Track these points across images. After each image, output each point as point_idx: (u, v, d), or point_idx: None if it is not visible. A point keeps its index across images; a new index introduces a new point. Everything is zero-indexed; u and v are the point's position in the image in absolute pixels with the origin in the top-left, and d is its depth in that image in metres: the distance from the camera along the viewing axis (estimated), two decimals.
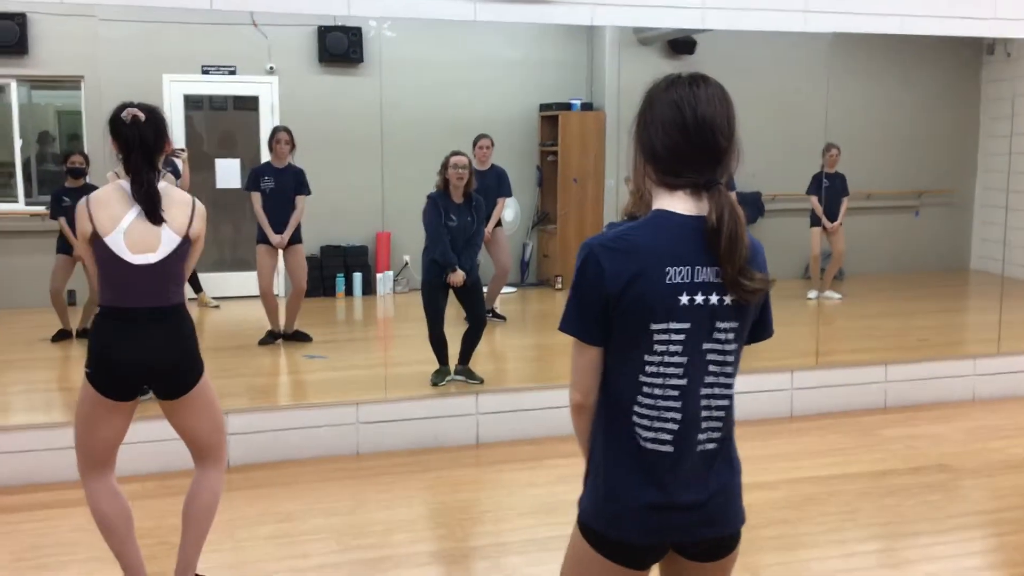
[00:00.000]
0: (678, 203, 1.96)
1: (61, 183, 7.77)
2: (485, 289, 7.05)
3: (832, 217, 9.31)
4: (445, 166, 6.16)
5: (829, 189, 9.15)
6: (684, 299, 1.92)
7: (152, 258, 3.30)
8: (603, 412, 2.02)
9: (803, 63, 10.80)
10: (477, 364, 6.23)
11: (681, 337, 1.93)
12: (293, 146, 7.52)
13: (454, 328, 6.21)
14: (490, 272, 8.31)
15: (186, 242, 3.37)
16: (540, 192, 10.77)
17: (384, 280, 9.87)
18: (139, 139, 3.32)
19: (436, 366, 6.13)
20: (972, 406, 6.53)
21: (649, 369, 1.94)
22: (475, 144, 8.37)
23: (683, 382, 1.94)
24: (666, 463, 1.96)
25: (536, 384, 6.24)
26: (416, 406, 5.69)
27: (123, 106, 3.37)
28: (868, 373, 6.44)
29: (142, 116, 3.33)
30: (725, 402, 2.01)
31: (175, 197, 3.40)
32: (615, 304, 1.92)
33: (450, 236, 6.06)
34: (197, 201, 3.44)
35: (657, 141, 1.98)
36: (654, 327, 1.92)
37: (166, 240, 3.32)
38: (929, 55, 11.40)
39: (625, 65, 10.30)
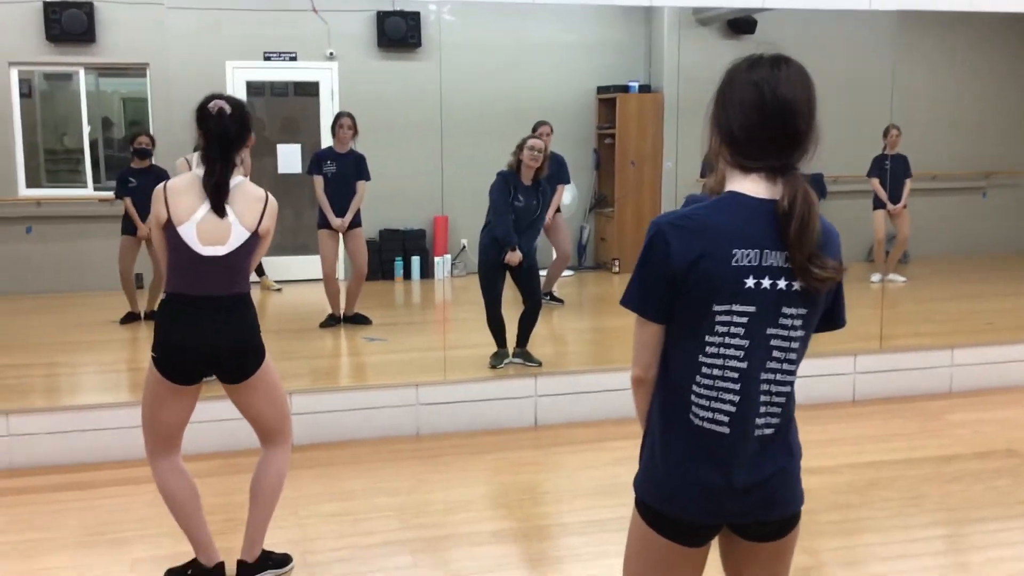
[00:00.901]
0: (751, 185, 1.94)
1: (127, 166, 7.94)
2: (543, 273, 7.06)
3: (895, 199, 9.14)
4: (521, 147, 6.14)
5: (891, 171, 8.97)
6: (750, 282, 1.90)
7: (221, 250, 3.38)
8: (661, 389, 2.03)
9: (867, 42, 10.60)
10: (535, 347, 6.25)
11: (744, 320, 1.91)
12: (356, 131, 7.58)
13: (511, 311, 6.23)
14: (549, 257, 8.32)
15: (255, 237, 3.44)
16: (597, 175, 10.74)
17: (442, 264, 9.94)
18: (221, 131, 3.37)
19: (494, 349, 6.16)
20: None
21: (709, 350, 1.94)
22: (534, 131, 8.35)
23: (743, 365, 1.93)
24: (723, 444, 1.95)
25: (594, 367, 6.24)
26: (475, 388, 5.73)
27: (211, 97, 3.42)
28: (933, 357, 6.33)
29: (228, 109, 3.38)
30: (786, 388, 1.99)
31: (249, 192, 3.45)
32: (679, 282, 1.92)
33: (514, 216, 6.07)
34: (271, 197, 3.49)
35: (734, 122, 1.96)
36: (717, 308, 1.91)
37: (236, 234, 3.39)
38: (997, 33, 11.12)
39: (684, 46, 10.22)
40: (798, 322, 1.96)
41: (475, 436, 5.53)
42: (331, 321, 7.58)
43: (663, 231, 1.93)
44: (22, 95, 9.36)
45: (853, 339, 6.28)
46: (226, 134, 3.37)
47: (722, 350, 1.93)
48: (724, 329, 1.92)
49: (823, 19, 9.99)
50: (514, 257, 6.00)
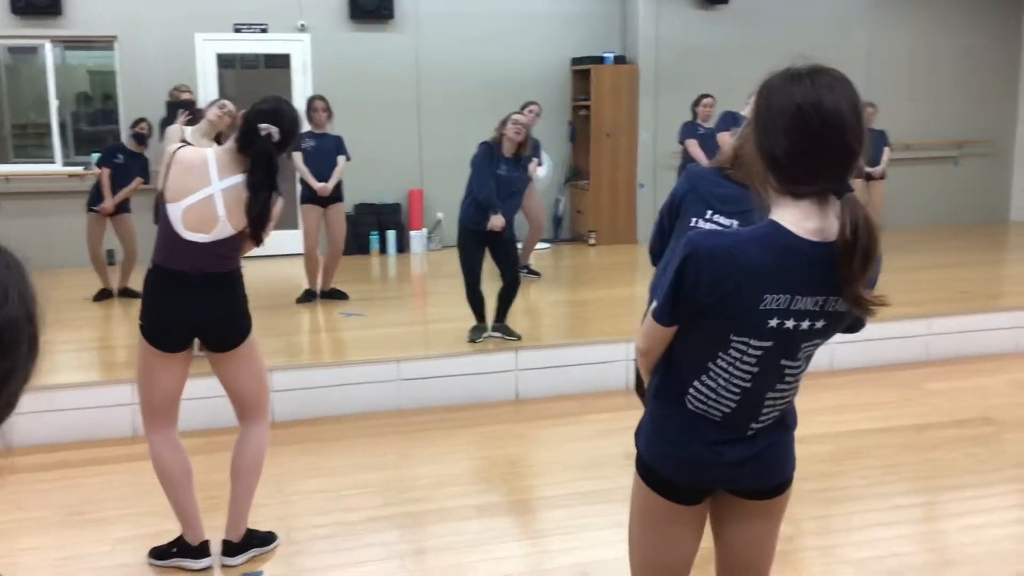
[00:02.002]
0: (799, 216, 1.82)
1: (96, 143, 7.79)
2: (519, 246, 7.03)
3: (873, 163, 9.12)
4: (504, 122, 6.11)
5: (868, 142, 9.00)
6: (773, 322, 1.84)
7: (204, 238, 3.35)
8: (665, 367, 2.03)
9: (843, 13, 10.65)
10: (513, 321, 6.24)
11: (759, 353, 1.89)
12: (330, 113, 7.47)
13: (490, 285, 6.21)
14: (524, 229, 8.29)
15: (241, 234, 3.39)
16: (572, 147, 10.70)
17: (418, 238, 9.89)
18: (267, 158, 3.31)
19: (473, 323, 6.15)
20: (1016, 358, 6.47)
21: (719, 363, 1.93)
22: (523, 109, 8.28)
23: (748, 385, 1.93)
24: (714, 429, 1.99)
25: (574, 340, 6.24)
26: (456, 362, 5.72)
27: (261, 112, 3.33)
28: (910, 326, 6.40)
29: (276, 136, 3.31)
30: (791, 395, 2.01)
31: (244, 195, 3.37)
32: (704, 308, 1.88)
33: (496, 185, 6.03)
34: (279, 200, 3.43)
35: (779, 148, 1.81)
36: (734, 338, 1.89)
37: (220, 228, 3.35)
38: (970, 5, 11.19)
39: (658, 17, 10.18)
40: (813, 350, 1.95)
41: (457, 410, 5.53)
42: (308, 296, 7.53)
43: (700, 257, 1.84)
44: None
45: None
46: (272, 161, 3.31)
47: (731, 369, 1.92)
48: (737, 355, 1.90)
49: None
50: (497, 221, 5.94)
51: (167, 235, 3.37)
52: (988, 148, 11.50)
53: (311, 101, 7.55)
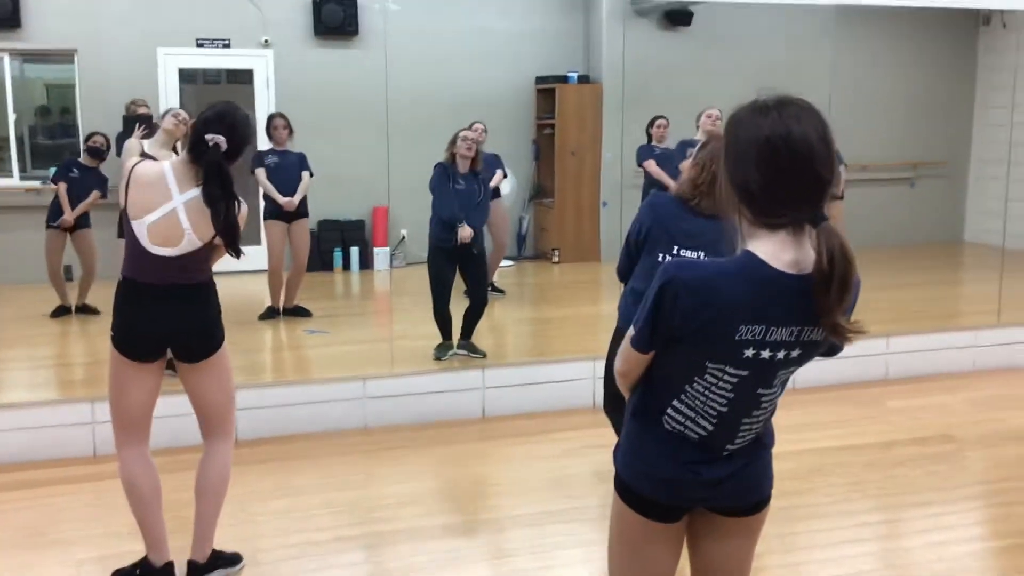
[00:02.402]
0: (776, 248, 1.83)
1: (55, 157, 7.68)
2: None
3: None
4: (454, 141, 6.14)
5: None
6: (748, 352, 1.86)
7: (171, 252, 3.31)
8: (641, 388, 2.06)
9: (803, 35, 10.79)
10: (478, 338, 6.24)
11: (734, 380, 1.91)
12: (291, 131, 7.44)
13: (455, 304, 6.20)
14: (488, 247, 8.28)
15: (208, 246, 3.36)
16: (537, 166, 10.75)
17: (382, 255, 9.86)
18: (217, 167, 3.25)
19: (438, 340, 6.13)
20: (973, 377, 6.58)
21: (696, 387, 1.95)
22: (470, 127, 8.28)
23: (724, 410, 1.95)
24: (691, 449, 2.00)
25: (541, 358, 6.25)
26: (423, 380, 5.70)
27: (207, 120, 3.28)
28: (870, 345, 6.47)
29: (223, 145, 3.26)
30: (765, 419, 2.03)
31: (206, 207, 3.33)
32: (679, 336, 1.90)
33: (457, 200, 6.04)
34: (242, 206, 3.38)
35: (751, 181, 1.83)
36: (710, 365, 1.90)
37: (187, 242, 3.32)
38: (927, 26, 11.41)
39: (622, 37, 10.27)
40: (788, 376, 1.97)
41: (424, 428, 5.50)
42: (271, 313, 7.47)
43: (676, 287, 1.86)
44: None
45: None
46: (222, 170, 3.26)
47: (708, 393, 1.94)
48: (713, 380, 1.92)
49: (758, 12, 10.16)
50: (464, 231, 5.95)
51: (134, 249, 3.33)
52: (943, 170, 11.73)
53: (271, 119, 7.50)
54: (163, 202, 3.28)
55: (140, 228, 3.28)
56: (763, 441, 2.08)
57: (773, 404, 2.01)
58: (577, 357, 6.03)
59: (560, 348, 6.67)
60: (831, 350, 2.00)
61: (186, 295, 3.38)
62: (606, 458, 4.88)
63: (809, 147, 1.78)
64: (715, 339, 1.85)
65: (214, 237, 3.33)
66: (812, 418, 5.69)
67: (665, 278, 1.86)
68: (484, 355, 6.07)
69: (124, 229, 3.36)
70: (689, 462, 2.00)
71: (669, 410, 1.99)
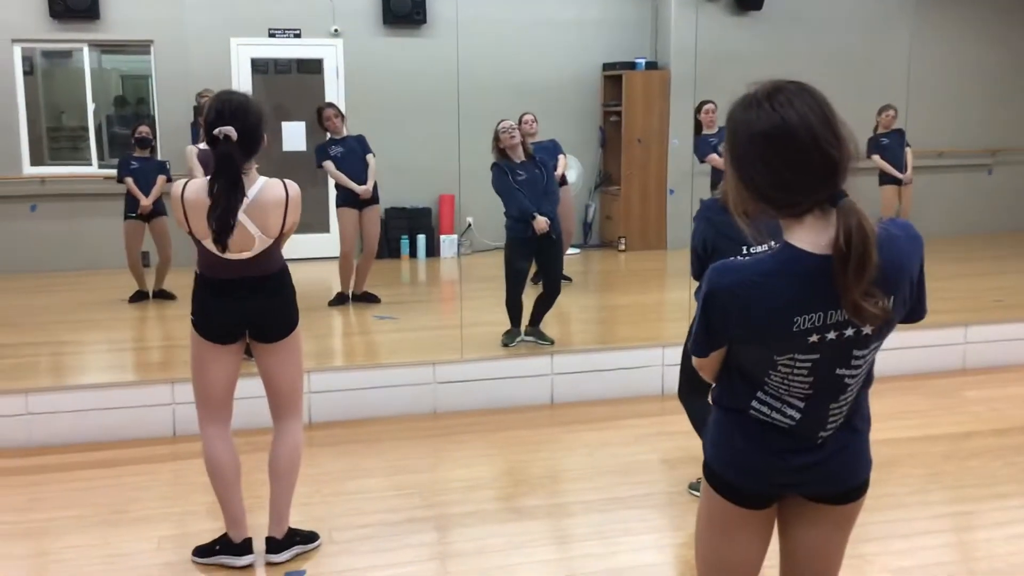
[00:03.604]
0: (808, 233, 1.81)
1: (128, 154, 7.87)
2: None
3: (902, 169, 9.07)
4: (496, 137, 6.15)
5: (890, 146, 8.91)
6: (814, 338, 1.83)
7: (246, 255, 3.39)
8: (725, 377, 2.03)
9: (878, 18, 10.56)
10: (545, 326, 6.24)
11: (808, 365, 1.87)
12: (343, 117, 7.50)
13: (524, 291, 6.21)
14: None
15: (280, 237, 3.44)
16: (603, 153, 10.70)
17: (448, 242, 9.92)
18: (227, 159, 3.26)
19: (505, 327, 6.15)
20: None
21: (774, 379, 1.92)
22: (520, 121, 8.28)
23: (809, 392, 1.91)
24: (783, 437, 1.97)
25: (609, 345, 6.24)
26: (491, 366, 5.73)
27: (217, 110, 3.29)
28: (946, 335, 6.34)
29: (234, 136, 3.26)
30: (854, 398, 1.98)
31: (269, 199, 3.38)
32: (739, 339, 1.90)
33: (523, 191, 6.04)
34: (291, 191, 3.41)
35: (760, 179, 1.81)
36: (777, 358, 1.88)
37: (259, 243, 3.39)
38: (1007, 9, 11.08)
39: (690, 22, 10.14)
40: (871, 354, 1.92)
41: (492, 414, 5.54)
42: (340, 299, 7.56)
43: (722, 298, 1.85)
44: (24, 73, 9.29)
45: None
46: (232, 162, 3.26)
47: (787, 382, 1.91)
48: (787, 370, 1.89)
49: None
50: (540, 222, 5.96)
51: (208, 256, 3.41)
52: (1022, 156, 11.39)
53: (320, 111, 7.48)
54: None
55: (212, 246, 3.34)
56: (854, 424, 2.01)
57: (858, 388, 1.97)
58: (644, 344, 6.01)
59: (627, 335, 6.65)
60: (912, 314, 1.95)
61: (262, 285, 3.45)
62: (674, 445, 4.91)
63: (809, 130, 1.74)
64: (774, 335, 1.83)
65: (283, 224, 3.40)
66: (888, 408, 5.58)
67: (708, 288, 1.87)
68: (552, 342, 6.07)
69: (192, 237, 3.41)
70: (779, 450, 1.96)
71: (754, 402, 1.96)
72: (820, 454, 1.98)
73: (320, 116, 7.46)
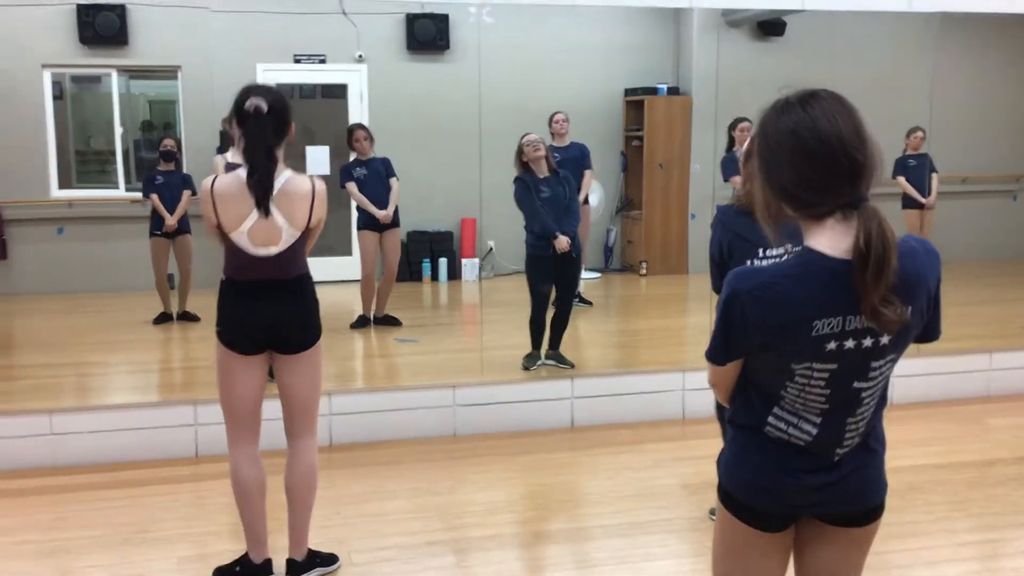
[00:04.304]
0: (829, 237, 1.83)
1: (153, 169, 7.99)
2: None
3: (926, 194, 9.04)
4: (520, 150, 6.17)
5: (916, 168, 8.88)
6: (831, 345, 1.84)
7: (274, 250, 3.42)
8: (741, 396, 2.03)
9: (902, 45, 10.53)
10: (566, 349, 6.25)
11: (825, 376, 1.88)
12: (372, 139, 7.58)
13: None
14: None
15: (305, 232, 3.48)
16: (624, 177, 10.73)
17: (470, 266, 9.95)
18: (259, 132, 3.34)
19: (526, 351, 6.16)
20: None
21: (791, 391, 1.92)
22: (550, 120, 8.36)
23: (826, 407, 1.91)
24: (799, 455, 1.96)
25: (630, 369, 6.23)
26: (512, 389, 5.73)
27: (248, 92, 3.39)
28: (971, 361, 6.29)
29: (264, 107, 3.34)
30: (872, 413, 1.97)
31: (296, 190, 3.44)
32: (758, 346, 1.90)
33: (545, 208, 6.06)
34: (318, 185, 3.49)
35: (786, 180, 1.85)
36: (795, 367, 1.88)
37: (287, 236, 3.42)
38: None
39: (712, 48, 10.20)
40: (888, 367, 1.92)
41: (513, 437, 5.53)
42: (362, 322, 7.60)
43: (741, 300, 1.87)
44: (54, 97, 9.44)
45: None
46: (265, 134, 3.34)
47: (804, 395, 1.91)
48: (804, 381, 1.89)
49: (854, 21, 9.96)
50: (561, 242, 5.98)
51: (236, 253, 3.44)
52: None
53: (352, 131, 7.59)
54: (253, 207, 3.38)
55: (240, 238, 3.39)
56: (869, 445, 2.01)
57: (875, 404, 1.96)
58: (666, 368, 6.00)
59: (648, 359, 6.64)
60: (927, 334, 1.96)
61: (286, 288, 3.47)
62: (695, 470, 4.89)
63: (837, 133, 1.80)
64: (793, 340, 1.84)
65: (309, 221, 3.43)
66: (910, 435, 5.55)
67: (728, 292, 1.88)
68: (572, 366, 6.08)
69: (220, 239, 3.46)
70: (795, 470, 1.96)
71: (770, 418, 1.96)
72: (837, 474, 1.97)
73: (350, 136, 7.55)
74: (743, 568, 2.09)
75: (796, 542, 2.12)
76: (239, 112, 3.38)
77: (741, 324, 1.87)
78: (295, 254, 3.47)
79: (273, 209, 3.38)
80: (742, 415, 2.03)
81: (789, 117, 1.84)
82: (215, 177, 3.48)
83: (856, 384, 1.89)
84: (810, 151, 1.80)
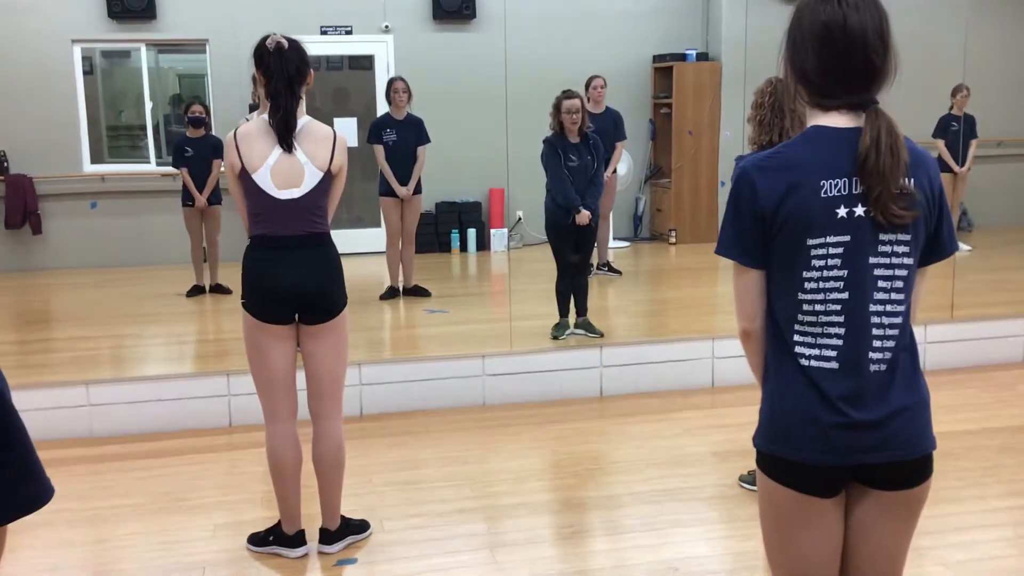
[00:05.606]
0: (833, 119, 1.94)
1: (182, 136, 8.02)
2: None
3: (961, 161, 8.93)
4: (558, 108, 6.06)
5: (957, 132, 8.75)
6: (842, 211, 1.89)
7: (296, 193, 3.42)
8: (770, 338, 2.00)
9: (935, 4, 10.33)
10: (595, 318, 6.25)
11: (840, 251, 1.89)
12: (410, 95, 7.57)
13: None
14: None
15: (328, 176, 3.47)
16: (653, 145, 10.65)
17: (498, 236, 9.95)
18: (282, 67, 3.39)
19: (554, 320, 6.16)
20: None
21: (808, 286, 1.91)
22: (588, 85, 8.31)
23: (844, 296, 1.89)
24: (835, 380, 1.90)
25: (658, 337, 6.22)
26: (541, 359, 5.75)
27: (266, 36, 3.45)
28: (1005, 327, 6.22)
29: (285, 44, 3.41)
30: (898, 319, 1.92)
31: (317, 131, 3.48)
32: (770, 222, 1.91)
33: (571, 177, 6.04)
34: (339, 133, 3.52)
35: (807, 64, 1.95)
36: (811, 242, 1.89)
37: (309, 175, 3.43)
38: None
39: (741, 13, 10.06)
40: (900, 248, 1.91)
41: (541, 406, 5.56)
42: (391, 293, 7.63)
43: (748, 173, 1.95)
44: (84, 72, 9.51)
45: (923, 309, 6.14)
46: (287, 69, 3.39)
47: (821, 283, 1.90)
48: (821, 263, 1.90)
49: None
50: (583, 217, 5.98)
51: (259, 205, 3.44)
52: None
53: (391, 83, 7.60)
54: (275, 145, 3.41)
55: (263, 177, 3.40)
56: (913, 385, 1.95)
57: (897, 299, 1.91)
58: (695, 337, 5.99)
59: (678, 328, 6.62)
60: (937, 247, 1.99)
61: (309, 246, 3.47)
62: (724, 438, 4.90)
63: (863, 35, 1.90)
64: (804, 206, 1.89)
65: (331, 160, 3.45)
66: (944, 401, 5.48)
67: (737, 174, 1.98)
68: (601, 335, 6.08)
69: (244, 189, 3.47)
70: (837, 397, 1.89)
71: (797, 337, 1.92)
72: (884, 409, 1.90)
73: (390, 88, 7.56)
74: (794, 540, 2.00)
75: (846, 514, 2.02)
76: (260, 54, 3.43)
77: (751, 197, 1.93)
78: (317, 204, 3.46)
79: (295, 146, 3.41)
80: (775, 356, 1.98)
81: (825, 8, 1.92)
82: (235, 128, 3.54)
83: (870, 260, 1.90)
84: (833, 43, 1.91)
